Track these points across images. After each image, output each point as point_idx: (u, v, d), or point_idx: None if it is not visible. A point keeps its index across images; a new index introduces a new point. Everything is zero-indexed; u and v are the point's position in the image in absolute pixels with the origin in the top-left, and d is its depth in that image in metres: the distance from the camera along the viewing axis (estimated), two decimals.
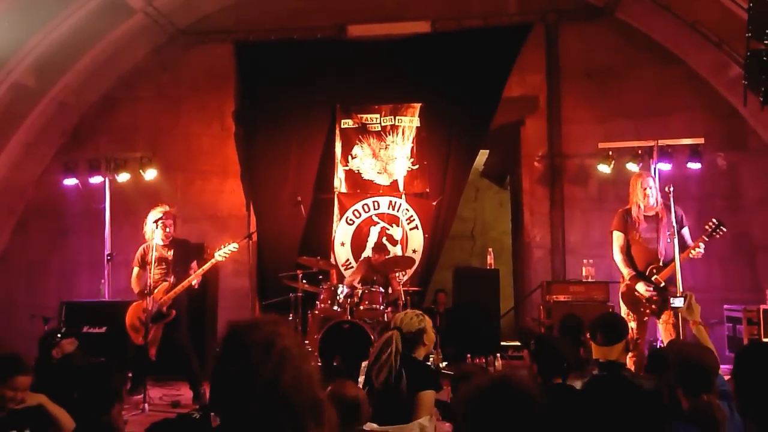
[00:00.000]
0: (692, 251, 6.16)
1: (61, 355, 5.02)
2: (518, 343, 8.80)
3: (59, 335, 5.23)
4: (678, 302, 5.60)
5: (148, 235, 7.01)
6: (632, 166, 8.16)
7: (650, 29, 9.01)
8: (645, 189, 6.34)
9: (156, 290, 6.78)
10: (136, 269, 7.13)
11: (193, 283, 6.91)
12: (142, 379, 6.65)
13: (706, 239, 6.17)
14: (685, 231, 6.42)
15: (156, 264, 6.86)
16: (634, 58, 9.18)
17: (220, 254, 6.99)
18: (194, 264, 7.10)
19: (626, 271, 6.37)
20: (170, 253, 7.02)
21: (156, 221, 6.95)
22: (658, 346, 7.02)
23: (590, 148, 8.79)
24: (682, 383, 2.94)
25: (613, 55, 9.24)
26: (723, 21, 7.67)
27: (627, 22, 9.09)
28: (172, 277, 6.94)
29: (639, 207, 6.37)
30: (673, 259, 6.11)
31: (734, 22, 7.00)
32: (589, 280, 8.11)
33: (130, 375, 6.80)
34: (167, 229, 7.00)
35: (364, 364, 5.59)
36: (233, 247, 7.02)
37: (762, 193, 8.84)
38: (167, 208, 7.10)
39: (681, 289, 5.91)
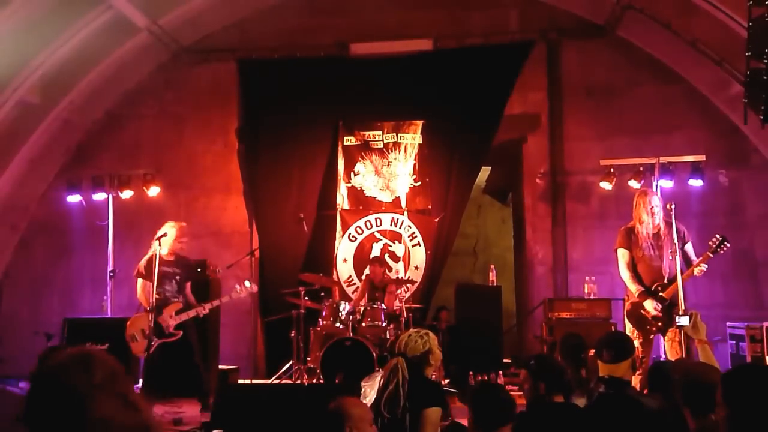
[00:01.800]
0: (695, 269, 6.13)
1: None
2: (510, 361, 8.76)
3: None
4: (683, 321, 5.57)
5: (154, 246, 6.83)
6: (634, 183, 8.18)
7: (651, 47, 9.06)
8: (652, 207, 6.32)
9: (167, 307, 6.79)
10: (141, 281, 6.92)
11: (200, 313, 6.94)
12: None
13: (711, 255, 6.12)
14: (689, 247, 6.38)
15: (166, 280, 6.85)
16: (634, 76, 9.23)
17: (240, 289, 7.14)
18: (188, 285, 7.08)
19: (634, 288, 6.31)
20: (178, 271, 6.98)
21: (166, 234, 6.88)
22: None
23: (592, 165, 8.82)
24: (690, 403, 2.92)
25: (614, 72, 9.29)
26: (723, 39, 7.72)
27: (628, 40, 9.14)
28: (181, 297, 6.96)
29: (643, 224, 6.35)
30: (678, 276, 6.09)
31: (734, 40, 7.05)
32: (592, 297, 8.10)
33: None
34: (179, 244, 6.95)
35: (366, 381, 5.56)
36: (250, 288, 7.23)
37: (764, 209, 8.85)
38: (183, 224, 7.09)
39: (684, 307, 5.90)
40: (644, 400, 3.33)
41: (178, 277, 7.00)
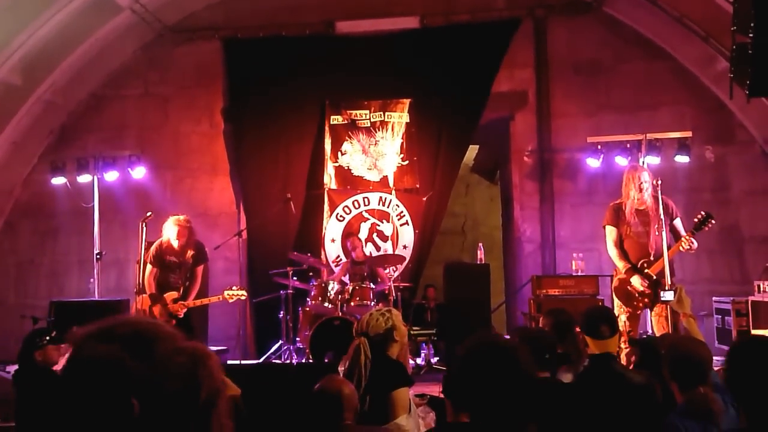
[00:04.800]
0: (682, 245, 6.16)
1: (43, 358, 4.75)
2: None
3: (48, 338, 4.94)
4: (668, 295, 5.61)
5: (165, 237, 7.04)
6: (621, 160, 8.21)
7: (638, 23, 9.04)
8: (641, 183, 6.34)
9: (167, 294, 6.97)
10: (150, 267, 7.01)
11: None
12: None
13: (695, 232, 6.18)
14: (678, 222, 6.44)
15: (172, 269, 7.02)
16: (621, 53, 9.21)
17: (229, 294, 7.19)
18: (199, 269, 7.24)
19: (621, 265, 6.37)
20: (189, 255, 7.08)
21: (172, 231, 7.00)
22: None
23: (579, 143, 8.82)
24: (677, 377, 2.92)
25: (601, 49, 9.26)
26: (709, 15, 7.71)
27: (615, 16, 9.11)
28: (181, 287, 7.08)
29: (633, 201, 6.37)
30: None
31: (720, 15, 7.04)
32: (579, 273, 8.13)
33: None
34: (181, 239, 7.04)
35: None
36: (242, 294, 7.27)
37: (749, 185, 8.90)
38: (182, 219, 7.09)
39: (669, 282, 5.94)
40: (629, 375, 3.35)
41: (188, 263, 7.12)
